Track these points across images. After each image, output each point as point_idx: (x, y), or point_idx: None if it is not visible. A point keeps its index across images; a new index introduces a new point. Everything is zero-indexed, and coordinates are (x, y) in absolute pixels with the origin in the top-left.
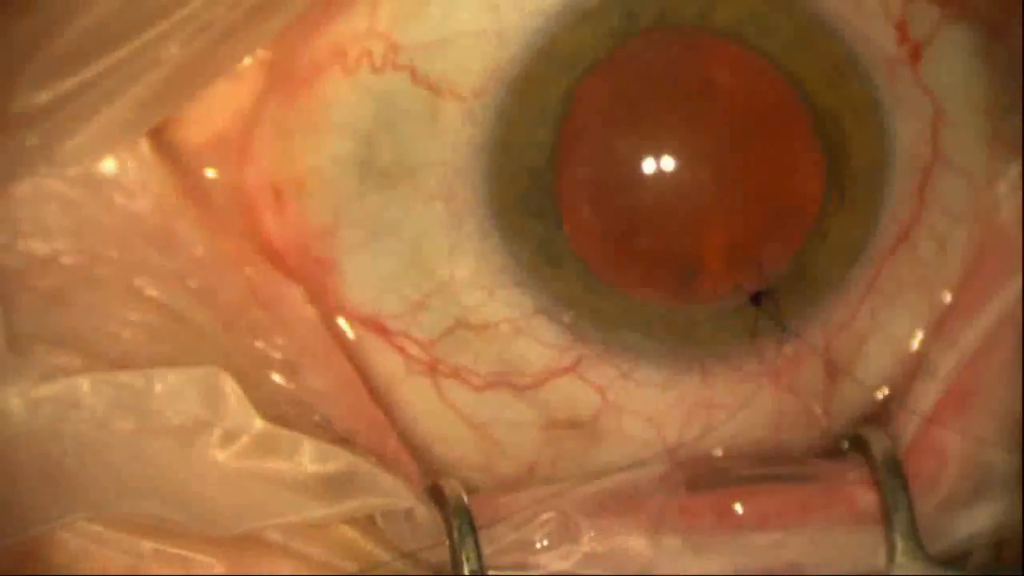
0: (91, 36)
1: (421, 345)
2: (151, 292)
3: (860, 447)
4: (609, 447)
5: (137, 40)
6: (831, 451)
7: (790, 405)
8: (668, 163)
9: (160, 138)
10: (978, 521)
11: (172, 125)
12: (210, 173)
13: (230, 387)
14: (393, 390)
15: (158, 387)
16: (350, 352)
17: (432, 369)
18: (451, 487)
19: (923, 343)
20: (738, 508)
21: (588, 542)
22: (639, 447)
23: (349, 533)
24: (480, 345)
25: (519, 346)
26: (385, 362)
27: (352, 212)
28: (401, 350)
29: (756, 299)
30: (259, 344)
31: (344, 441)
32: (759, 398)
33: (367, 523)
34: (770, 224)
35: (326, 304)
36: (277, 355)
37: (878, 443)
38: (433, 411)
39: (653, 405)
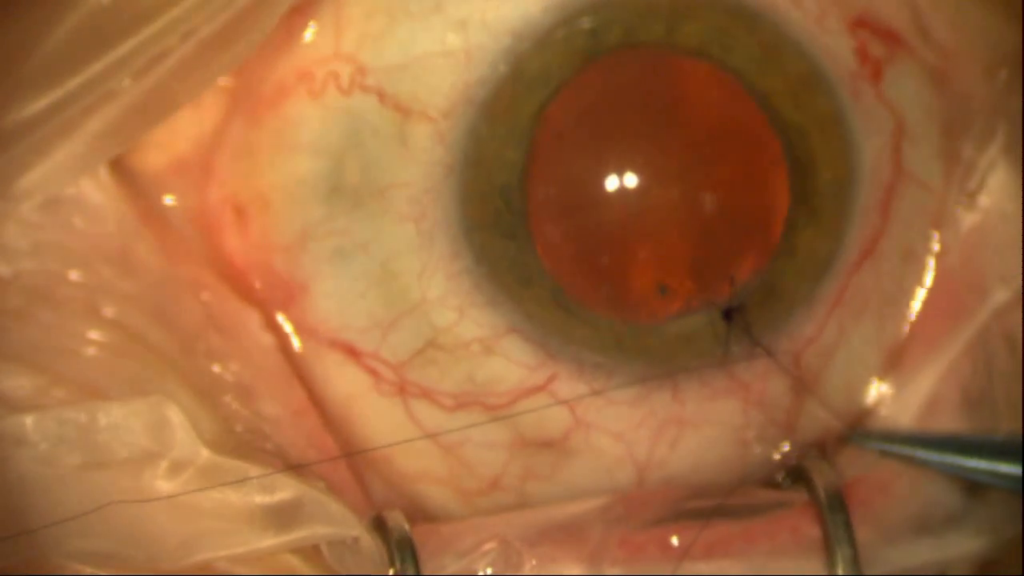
0: (43, 69)
1: (391, 366)
2: (111, 313)
3: (804, 480)
4: (579, 464)
5: (89, 70)
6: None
7: (758, 420)
8: (637, 181)
9: (120, 163)
10: (922, 554)
11: (132, 149)
12: (169, 199)
13: (176, 417)
14: (361, 410)
15: (102, 421)
16: (316, 373)
17: (402, 390)
18: (394, 518)
19: (887, 359)
20: (681, 539)
21: (530, 571)
22: (609, 464)
23: (293, 561)
24: (451, 365)
25: (490, 366)
26: (353, 382)
27: (320, 231)
28: (371, 371)
29: (727, 315)
30: (216, 368)
31: (295, 468)
32: (728, 414)
33: (312, 551)
34: (738, 241)
35: (292, 324)
36: (233, 380)
37: (820, 476)
38: (402, 432)
39: (624, 422)
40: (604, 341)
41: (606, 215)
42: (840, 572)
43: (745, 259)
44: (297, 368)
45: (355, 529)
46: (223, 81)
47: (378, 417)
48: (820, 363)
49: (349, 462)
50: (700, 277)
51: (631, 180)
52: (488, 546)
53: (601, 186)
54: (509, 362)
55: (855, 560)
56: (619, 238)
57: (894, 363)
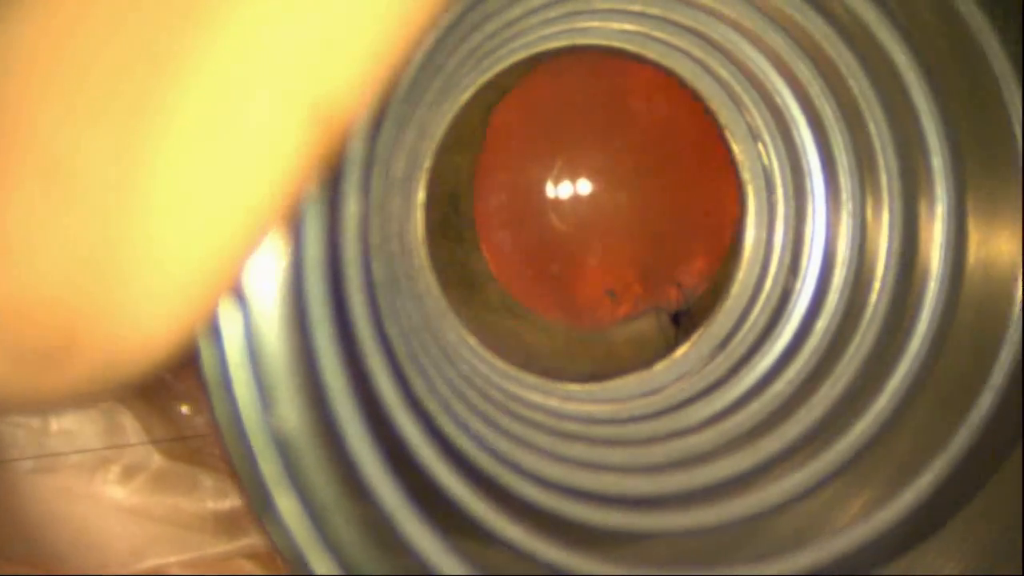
0: None
1: None
2: None
3: None
4: None
5: None
6: None
7: None
8: (583, 187)
9: None
10: None
11: None
12: None
13: (129, 423)
14: None
15: (54, 426)
16: None
17: None
18: None
19: None
20: None
21: None
22: None
23: (247, 566)
24: None
25: None
26: None
27: None
28: None
29: (675, 319)
30: (167, 375)
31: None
32: None
33: (266, 556)
34: (689, 245)
35: None
36: (184, 387)
37: None
38: None
39: None
40: (554, 346)
41: (550, 222)
42: None
43: (695, 263)
44: None
45: None
46: None
47: None
48: None
49: None
50: (648, 284)
51: (576, 186)
52: None
53: (545, 192)
54: None
55: None
56: (564, 245)
57: None
